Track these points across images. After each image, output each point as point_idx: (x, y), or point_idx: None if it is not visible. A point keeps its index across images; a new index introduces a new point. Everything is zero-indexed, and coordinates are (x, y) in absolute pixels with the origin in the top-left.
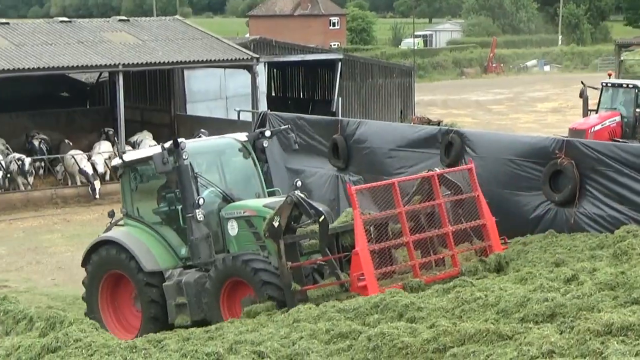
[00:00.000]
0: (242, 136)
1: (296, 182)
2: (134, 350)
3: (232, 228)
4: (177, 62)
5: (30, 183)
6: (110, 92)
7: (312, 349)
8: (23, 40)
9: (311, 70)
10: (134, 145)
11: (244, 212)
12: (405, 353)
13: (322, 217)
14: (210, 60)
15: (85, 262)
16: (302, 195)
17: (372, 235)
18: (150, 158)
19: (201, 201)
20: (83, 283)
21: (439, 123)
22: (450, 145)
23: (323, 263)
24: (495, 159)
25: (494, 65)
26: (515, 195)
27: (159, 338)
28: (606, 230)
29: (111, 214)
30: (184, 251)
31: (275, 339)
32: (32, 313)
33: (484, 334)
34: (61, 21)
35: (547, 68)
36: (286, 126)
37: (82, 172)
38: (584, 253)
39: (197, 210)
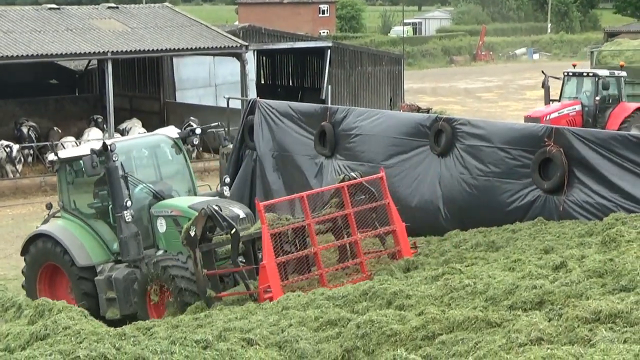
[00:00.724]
0: (174, 132)
1: (224, 179)
2: (122, 338)
3: (161, 225)
4: (166, 49)
5: (19, 171)
6: (99, 80)
7: (301, 336)
8: (11, 27)
9: (301, 57)
10: (123, 133)
11: (170, 212)
12: (394, 340)
13: (234, 230)
14: (200, 47)
15: (23, 253)
16: (216, 208)
17: (292, 240)
18: (80, 158)
19: (129, 203)
20: (22, 272)
21: (428, 111)
22: (440, 132)
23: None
24: (484, 146)
25: (483, 53)
26: (505, 182)
27: (148, 325)
28: (595, 218)
29: (49, 206)
30: (115, 246)
31: (264, 326)
32: (21, 301)
33: (473, 322)
34: (50, 8)
35: (536, 56)
36: (216, 124)
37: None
38: (572, 240)
39: (125, 212)
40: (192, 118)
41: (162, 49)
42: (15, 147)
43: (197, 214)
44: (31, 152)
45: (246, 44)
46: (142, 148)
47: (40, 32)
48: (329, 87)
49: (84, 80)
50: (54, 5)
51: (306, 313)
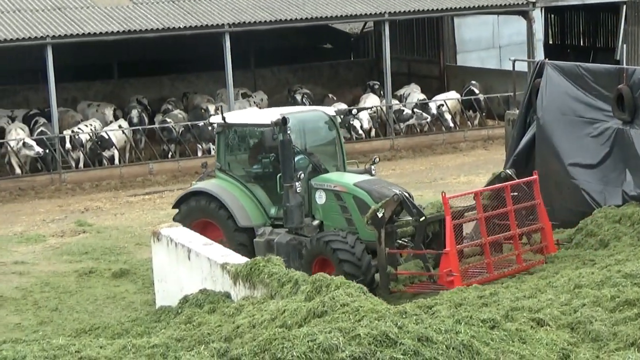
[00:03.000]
0: (330, 110)
1: (374, 158)
2: (404, 316)
3: (320, 197)
4: (447, 9)
5: None
6: (376, 43)
7: (595, 317)
8: None
9: (592, 15)
10: (401, 99)
11: (334, 187)
12: None
13: (423, 217)
14: (483, 6)
15: (177, 206)
16: (407, 195)
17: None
18: (257, 126)
19: (302, 176)
20: (174, 220)
21: None
22: None
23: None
24: None
25: None
26: None
27: (429, 304)
28: None
29: (204, 165)
30: (273, 211)
31: (554, 306)
32: (298, 276)
33: None
34: None
35: None
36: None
37: (345, 127)
38: None
39: (296, 183)
40: (473, 82)
41: (443, 9)
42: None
43: (378, 204)
44: None
45: (533, 0)
46: (304, 122)
47: None
48: (625, 46)
49: (360, 44)
50: None
51: (601, 292)
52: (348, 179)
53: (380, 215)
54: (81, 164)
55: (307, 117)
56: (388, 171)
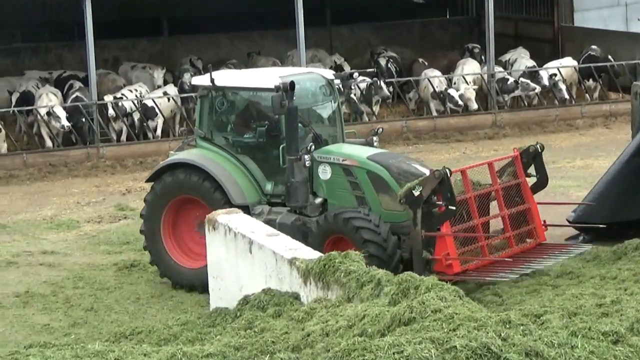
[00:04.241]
0: (329, 74)
1: (378, 129)
2: (508, 326)
3: (324, 172)
4: None
5: (376, 113)
6: None
7: None
8: None
9: None
10: (506, 66)
11: (342, 160)
12: None
13: (454, 208)
14: None
15: (153, 179)
16: (449, 174)
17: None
18: (256, 90)
19: (312, 148)
20: (145, 200)
21: None
22: None
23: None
24: None
25: None
26: None
27: (538, 312)
28: None
29: (184, 133)
30: (269, 187)
31: None
32: (380, 275)
33: None
34: None
35: None
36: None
37: (439, 97)
38: None
39: (305, 156)
40: (593, 47)
41: None
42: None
43: (415, 181)
44: (391, 89)
45: None
46: (299, 87)
47: None
48: None
49: None
50: None
51: None
52: (359, 151)
53: (416, 193)
54: (123, 137)
55: (302, 80)
56: (489, 151)
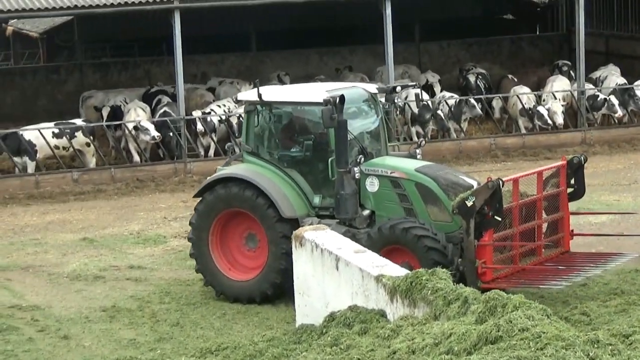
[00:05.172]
0: (372, 88)
1: (421, 141)
2: (596, 346)
3: (372, 184)
4: None
5: (464, 130)
6: (567, 14)
7: None
8: None
9: None
10: (596, 83)
11: (390, 173)
12: None
13: (500, 221)
14: None
15: (201, 195)
16: (501, 185)
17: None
18: (305, 105)
19: (361, 160)
20: (196, 210)
21: None
22: None
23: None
24: None
25: None
26: None
27: (627, 332)
28: None
29: (230, 148)
30: (317, 200)
31: None
32: (467, 293)
33: None
34: None
35: None
36: (414, 83)
37: (528, 114)
38: None
39: (355, 168)
40: None
41: None
42: (472, 100)
43: (468, 192)
44: (480, 106)
45: None
46: (351, 102)
47: None
48: None
49: (547, 14)
50: None
51: None
52: (407, 164)
53: (469, 203)
54: (211, 152)
55: (347, 94)
56: None
